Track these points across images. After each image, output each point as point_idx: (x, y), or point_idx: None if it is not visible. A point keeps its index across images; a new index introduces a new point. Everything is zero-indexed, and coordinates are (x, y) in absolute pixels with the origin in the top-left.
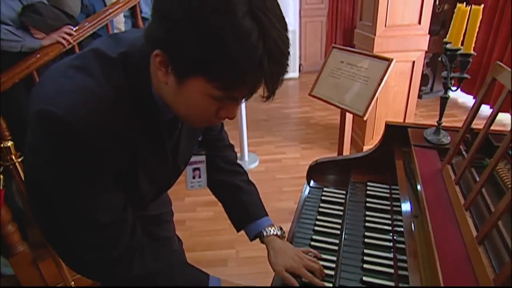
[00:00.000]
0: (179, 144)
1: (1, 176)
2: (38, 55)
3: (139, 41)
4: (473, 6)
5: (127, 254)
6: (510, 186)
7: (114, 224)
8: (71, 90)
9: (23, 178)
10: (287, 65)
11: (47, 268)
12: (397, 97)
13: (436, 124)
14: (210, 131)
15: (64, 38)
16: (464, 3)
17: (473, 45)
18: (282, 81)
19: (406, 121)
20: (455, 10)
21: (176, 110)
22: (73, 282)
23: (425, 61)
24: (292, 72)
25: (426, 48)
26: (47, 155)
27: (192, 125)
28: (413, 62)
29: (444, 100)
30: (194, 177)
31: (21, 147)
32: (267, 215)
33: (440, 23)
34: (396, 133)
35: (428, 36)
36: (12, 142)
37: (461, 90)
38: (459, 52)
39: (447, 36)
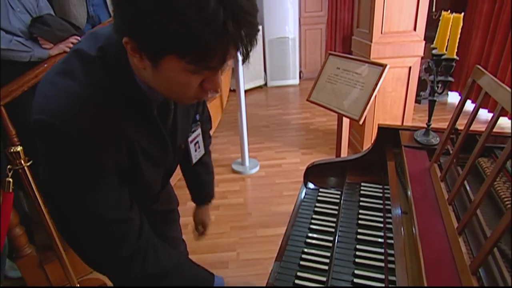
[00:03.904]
0: (176, 126)
1: (11, 180)
2: (46, 65)
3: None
4: (454, 14)
5: (137, 252)
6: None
7: (120, 222)
8: (57, 96)
9: (31, 182)
10: (257, 23)
11: (53, 270)
12: (394, 102)
13: (425, 126)
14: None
15: (70, 48)
16: (463, 13)
17: (456, 50)
18: (256, 42)
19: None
20: (440, 18)
21: (161, 92)
22: (78, 284)
23: (423, 67)
24: (292, 79)
25: (422, 54)
26: (47, 160)
27: (183, 103)
28: (410, 68)
29: (432, 103)
30: (196, 150)
31: (30, 152)
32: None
33: (436, 29)
34: (388, 135)
35: (424, 42)
36: (21, 147)
37: (459, 94)
38: (443, 57)
39: (434, 42)
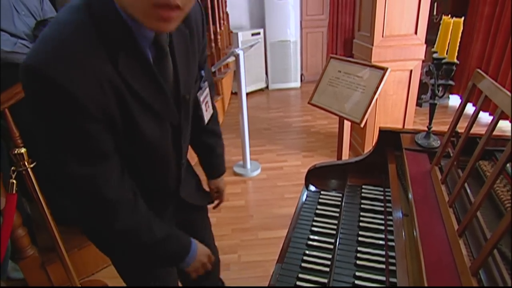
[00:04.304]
0: (177, 71)
1: (15, 181)
2: None
3: None
4: (454, 18)
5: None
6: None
7: (100, 168)
8: (39, 42)
9: (34, 183)
10: None
11: (55, 272)
12: (395, 105)
13: (426, 129)
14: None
15: None
16: (463, 17)
17: (457, 53)
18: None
19: (405, 127)
20: (441, 22)
21: (130, 12)
22: (80, 285)
23: (424, 70)
24: (294, 82)
25: (423, 57)
26: (35, 113)
27: (157, 26)
28: (411, 71)
29: (432, 106)
30: (206, 110)
31: (33, 154)
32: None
33: (437, 33)
34: (389, 138)
35: (425, 45)
36: (25, 149)
37: (460, 97)
38: (444, 61)
39: (435, 45)
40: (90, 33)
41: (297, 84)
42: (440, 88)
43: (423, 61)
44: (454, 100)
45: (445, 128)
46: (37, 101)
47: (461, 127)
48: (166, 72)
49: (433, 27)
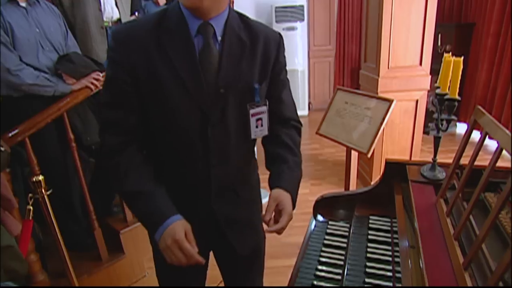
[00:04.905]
0: (220, 64)
1: (31, 208)
2: (68, 99)
3: None
4: (454, 57)
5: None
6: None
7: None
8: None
9: (49, 210)
10: None
11: None
12: (402, 134)
13: (431, 160)
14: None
15: (92, 83)
16: (463, 56)
17: (458, 90)
18: None
19: (413, 157)
20: (442, 59)
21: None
22: None
23: (430, 99)
24: (302, 110)
25: (428, 87)
26: None
27: (186, 1)
28: (417, 101)
29: (437, 139)
30: (257, 126)
31: (50, 182)
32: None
33: (441, 63)
34: (395, 170)
35: (430, 76)
36: (42, 177)
37: (467, 125)
38: (446, 97)
39: (437, 81)
40: (152, 21)
41: (305, 112)
42: (444, 122)
43: (428, 91)
44: (462, 128)
45: (452, 156)
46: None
47: (468, 155)
48: (207, 61)
49: (437, 57)
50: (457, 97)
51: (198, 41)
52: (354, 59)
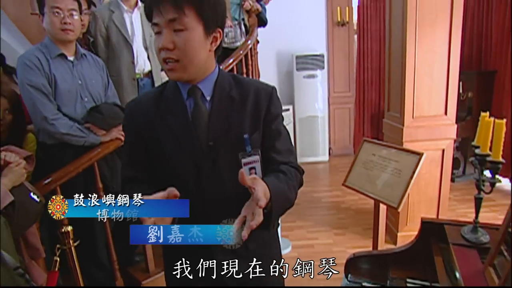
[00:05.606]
0: (210, 120)
1: (58, 259)
2: (99, 149)
3: None
4: (496, 120)
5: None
6: None
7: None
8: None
9: (75, 262)
10: None
11: None
12: (429, 184)
13: (473, 222)
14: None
15: (122, 135)
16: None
17: (501, 152)
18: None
19: (441, 208)
20: (480, 119)
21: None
22: None
23: (455, 145)
24: (322, 155)
25: (454, 136)
26: None
27: (167, 74)
28: (443, 150)
29: (478, 201)
30: (249, 174)
31: (79, 233)
32: None
33: (466, 109)
34: (432, 229)
35: (456, 125)
36: (71, 228)
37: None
38: (488, 158)
39: (475, 139)
40: (157, 91)
41: (325, 157)
42: (488, 184)
43: (455, 140)
44: (504, 182)
45: (487, 206)
46: None
47: (499, 204)
48: (198, 118)
49: (460, 104)
50: (501, 159)
51: (190, 103)
52: (373, 105)
